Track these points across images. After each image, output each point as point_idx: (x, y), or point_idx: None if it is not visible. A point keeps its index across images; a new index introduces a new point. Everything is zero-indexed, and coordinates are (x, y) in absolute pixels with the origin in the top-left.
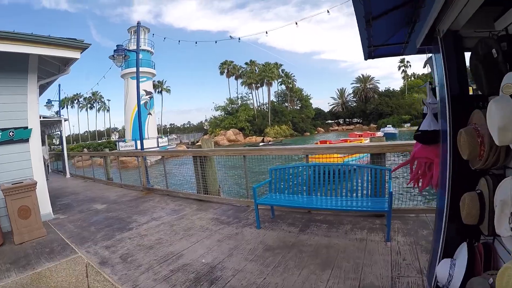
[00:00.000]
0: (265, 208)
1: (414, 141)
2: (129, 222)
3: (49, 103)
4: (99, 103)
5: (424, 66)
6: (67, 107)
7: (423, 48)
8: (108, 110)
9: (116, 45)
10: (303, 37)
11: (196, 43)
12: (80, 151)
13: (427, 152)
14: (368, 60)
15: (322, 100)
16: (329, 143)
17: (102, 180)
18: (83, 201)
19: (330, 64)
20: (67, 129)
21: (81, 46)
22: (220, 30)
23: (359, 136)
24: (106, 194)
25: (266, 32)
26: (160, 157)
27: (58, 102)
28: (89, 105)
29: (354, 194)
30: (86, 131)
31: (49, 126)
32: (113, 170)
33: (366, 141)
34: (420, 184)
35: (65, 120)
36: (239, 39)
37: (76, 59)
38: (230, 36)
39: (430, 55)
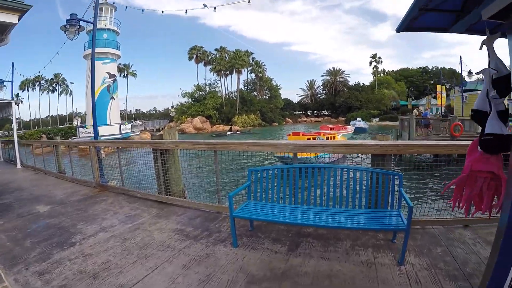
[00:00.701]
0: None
1: (425, 141)
2: (73, 233)
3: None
4: (62, 86)
5: (481, 48)
6: (27, 90)
7: (482, 26)
8: (71, 94)
9: (70, 14)
10: (275, 27)
11: (162, 12)
12: (39, 137)
13: (489, 165)
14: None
15: (291, 91)
16: (302, 135)
17: (53, 173)
18: (26, 201)
19: (300, 56)
20: (27, 114)
21: (20, 8)
22: (191, 15)
23: (331, 129)
24: (54, 192)
25: (215, 8)
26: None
27: (11, 82)
28: (50, 88)
29: (351, 204)
30: (48, 115)
31: None
32: (73, 158)
33: (339, 135)
34: (463, 204)
35: (16, 103)
36: (215, 8)
37: (14, 24)
38: (204, 4)
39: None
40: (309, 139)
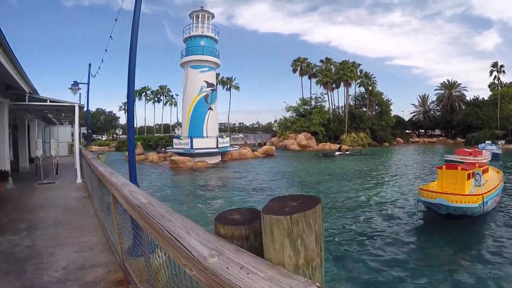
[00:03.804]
0: None
1: None
2: None
3: (74, 85)
4: (166, 97)
5: None
6: (134, 100)
7: None
8: (175, 105)
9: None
10: (375, 41)
11: None
12: (135, 144)
13: None
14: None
15: (395, 107)
16: (462, 169)
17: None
18: None
19: (403, 70)
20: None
21: None
22: (291, 32)
23: (469, 155)
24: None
25: None
26: (218, 159)
27: (87, 85)
28: (156, 99)
29: None
30: (156, 124)
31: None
32: (160, 170)
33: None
34: None
35: (80, 107)
36: None
37: None
38: None
39: None
40: (469, 175)
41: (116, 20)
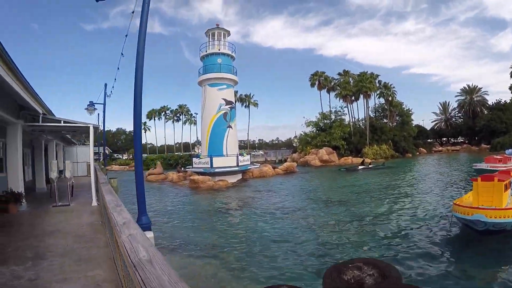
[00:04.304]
0: None
1: None
2: None
3: (90, 105)
4: (186, 116)
5: None
6: (154, 119)
7: None
8: (195, 124)
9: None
10: (390, 51)
11: None
12: (155, 164)
13: None
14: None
15: (416, 116)
16: (498, 180)
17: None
18: None
19: (420, 79)
20: (153, 139)
21: None
22: (306, 47)
23: (499, 162)
24: None
25: None
26: (238, 177)
27: (103, 105)
28: (175, 118)
29: None
30: (176, 142)
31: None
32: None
33: None
34: None
35: (95, 128)
36: None
37: None
38: None
39: None
40: (506, 185)
41: (126, 36)
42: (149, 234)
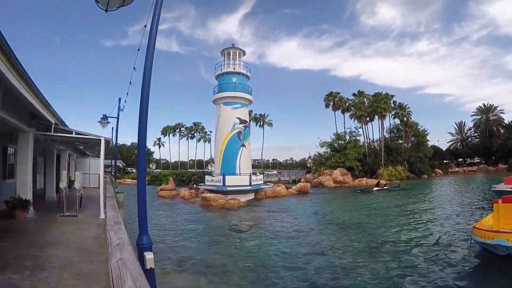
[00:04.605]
0: None
1: None
2: None
3: (104, 119)
4: (200, 134)
5: None
6: (169, 135)
7: None
8: (209, 141)
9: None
10: (405, 71)
11: None
12: (167, 180)
13: None
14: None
15: (431, 137)
16: None
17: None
18: None
19: (434, 99)
20: (167, 155)
21: None
22: (321, 68)
23: None
24: None
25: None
26: (251, 196)
27: (116, 119)
28: (190, 135)
29: None
30: (190, 159)
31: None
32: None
33: None
34: None
35: (107, 141)
36: None
37: None
38: None
39: None
40: None
41: (138, 50)
42: (149, 255)
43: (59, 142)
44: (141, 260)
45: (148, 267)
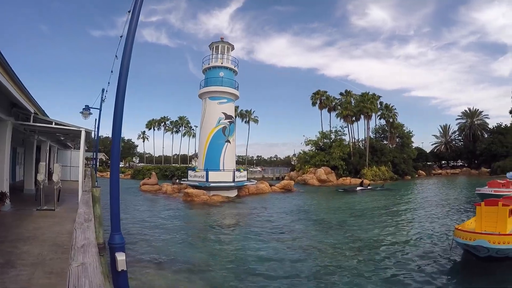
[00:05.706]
0: None
1: None
2: None
3: (86, 109)
4: (185, 128)
5: None
6: (153, 129)
7: None
8: (194, 136)
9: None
10: (392, 73)
11: None
12: (151, 174)
13: None
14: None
15: (415, 138)
16: (503, 205)
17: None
18: None
19: (420, 101)
20: (151, 150)
21: None
22: (309, 67)
23: (502, 186)
24: None
25: None
26: (234, 193)
27: (98, 110)
28: (175, 129)
29: None
30: (174, 154)
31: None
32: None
33: None
34: None
35: (87, 132)
36: None
37: None
38: None
39: None
40: (511, 211)
41: (121, 37)
42: (121, 257)
43: (38, 132)
44: (113, 261)
45: (119, 269)
